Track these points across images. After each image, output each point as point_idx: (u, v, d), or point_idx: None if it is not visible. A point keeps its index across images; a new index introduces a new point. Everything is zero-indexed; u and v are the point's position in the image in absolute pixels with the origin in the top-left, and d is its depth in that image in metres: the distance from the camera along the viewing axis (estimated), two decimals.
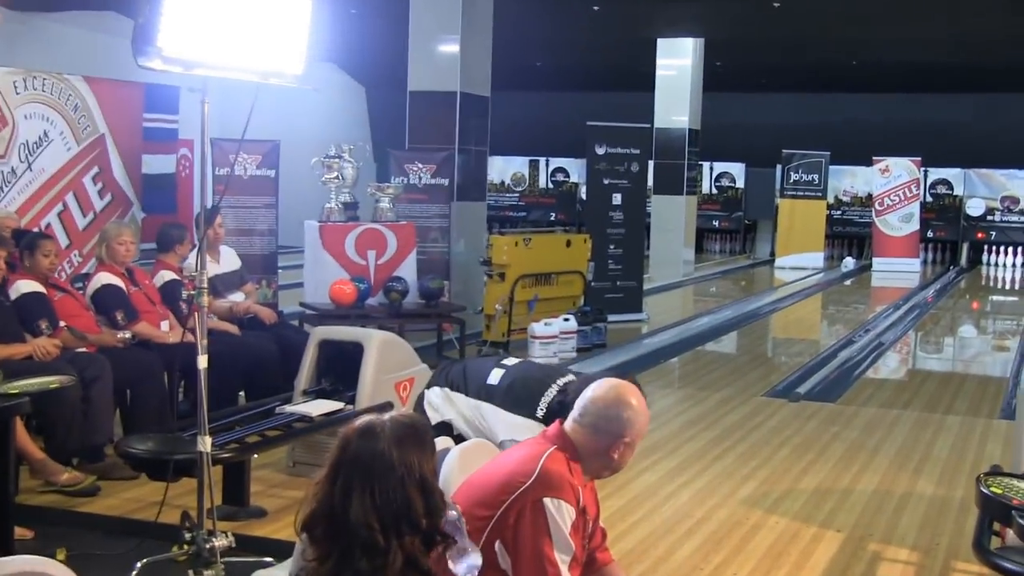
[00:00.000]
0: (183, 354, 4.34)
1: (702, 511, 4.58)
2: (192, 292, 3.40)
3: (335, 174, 7.54)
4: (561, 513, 2.34)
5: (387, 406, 4.69)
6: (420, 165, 8.51)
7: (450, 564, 1.99)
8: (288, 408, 4.67)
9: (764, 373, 8.20)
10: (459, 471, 2.68)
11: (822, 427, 6.20)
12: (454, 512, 2.00)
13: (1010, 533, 3.41)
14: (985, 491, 3.38)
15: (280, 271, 8.02)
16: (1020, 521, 3.16)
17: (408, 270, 7.58)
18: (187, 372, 4.79)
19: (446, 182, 8.55)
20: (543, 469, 2.39)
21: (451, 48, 8.92)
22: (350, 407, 4.71)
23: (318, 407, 4.66)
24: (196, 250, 3.58)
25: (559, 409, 3.09)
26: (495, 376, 3.40)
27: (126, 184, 6.39)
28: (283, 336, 5.89)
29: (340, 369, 4.89)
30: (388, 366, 4.87)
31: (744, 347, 10.07)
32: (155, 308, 5.39)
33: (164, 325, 5.38)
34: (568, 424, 2.53)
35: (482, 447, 3.01)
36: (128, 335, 5.03)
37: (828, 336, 10.80)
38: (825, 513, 4.60)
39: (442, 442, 3.03)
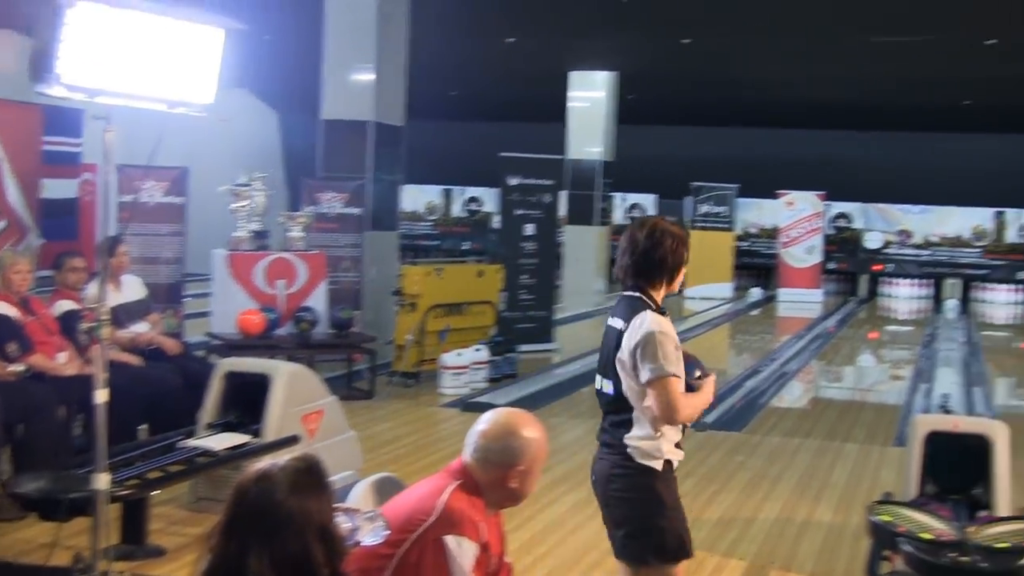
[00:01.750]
0: (80, 386, 4.20)
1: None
2: (92, 324, 3.30)
3: (245, 202, 7.45)
4: (462, 551, 2.35)
5: (293, 440, 4.63)
6: (332, 194, 8.47)
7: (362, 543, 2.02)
8: (191, 442, 4.56)
9: None
10: (365, 506, 2.66)
11: (727, 457, 6.34)
12: (345, 518, 1.98)
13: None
14: (874, 519, 3.51)
15: (188, 299, 7.86)
16: (905, 548, 3.29)
17: (318, 300, 7.52)
18: (85, 405, 4.64)
19: (358, 211, 8.51)
20: (444, 506, 2.39)
21: (365, 76, 8.92)
22: (256, 440, 4.63)
23: (222, 441, 4.56)
24: (97, 279, 3.49)
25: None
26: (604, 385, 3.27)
27: (22, 209, 6.18)
28: (188, 367, 5.76)
29: (246, 402, 4.80)
30: (296, 399, 4.81)
31: None
32: (52, 339, 5.21)
33: (61, 356, 5.20)
34: (466, 458, 2.54)
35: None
36: (21, 368, 4.85)
37: (735, 365, 11.04)
38: (729, 542, 4.70)
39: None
